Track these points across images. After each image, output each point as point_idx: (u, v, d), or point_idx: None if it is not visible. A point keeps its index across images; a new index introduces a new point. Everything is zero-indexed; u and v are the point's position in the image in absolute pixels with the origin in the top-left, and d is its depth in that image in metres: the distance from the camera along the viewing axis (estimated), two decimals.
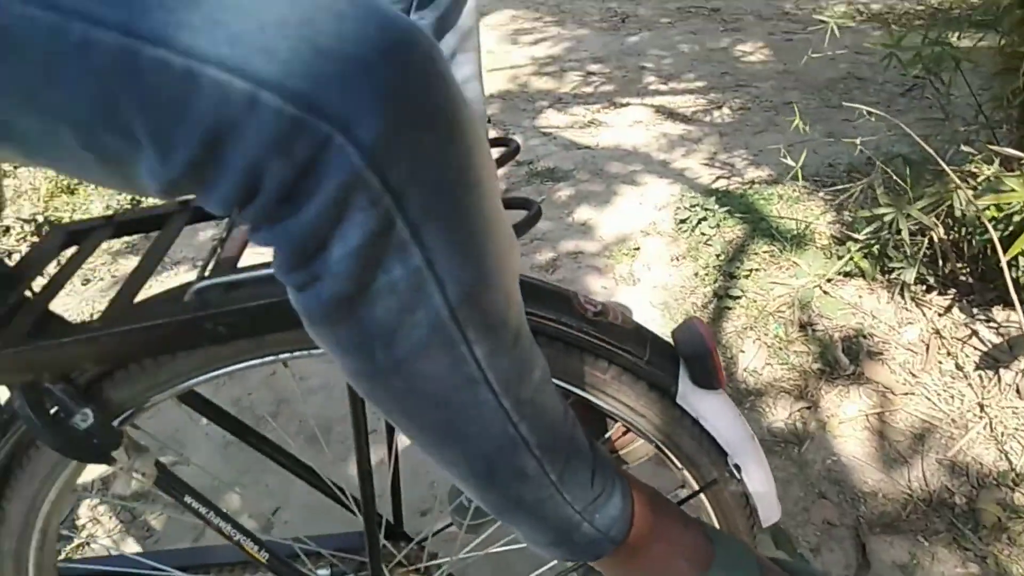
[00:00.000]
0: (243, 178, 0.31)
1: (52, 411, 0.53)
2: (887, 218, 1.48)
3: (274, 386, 1.54)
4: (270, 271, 0.39)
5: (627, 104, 2.96)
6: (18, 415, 0.52)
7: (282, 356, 0.54)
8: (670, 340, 0.62)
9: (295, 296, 0.36)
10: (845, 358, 1.48)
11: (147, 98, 0.30)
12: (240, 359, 0.55)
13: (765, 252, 1.83)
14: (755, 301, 1.67)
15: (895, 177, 1.60)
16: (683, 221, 1.99)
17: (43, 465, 0.59)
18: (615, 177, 2.34)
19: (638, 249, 1.93)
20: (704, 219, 1.95)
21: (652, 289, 1.77)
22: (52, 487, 0.60)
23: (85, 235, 0.57)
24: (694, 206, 2.01)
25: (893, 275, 1.60)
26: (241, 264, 0.52)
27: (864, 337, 1.52)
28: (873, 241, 1.64)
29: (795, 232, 1.87)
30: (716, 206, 1.98)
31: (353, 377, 0.40)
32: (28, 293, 0.53)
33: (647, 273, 1.83)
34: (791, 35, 3.56)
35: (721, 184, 2.21)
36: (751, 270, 1.77)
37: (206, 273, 0.49)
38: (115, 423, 0.55)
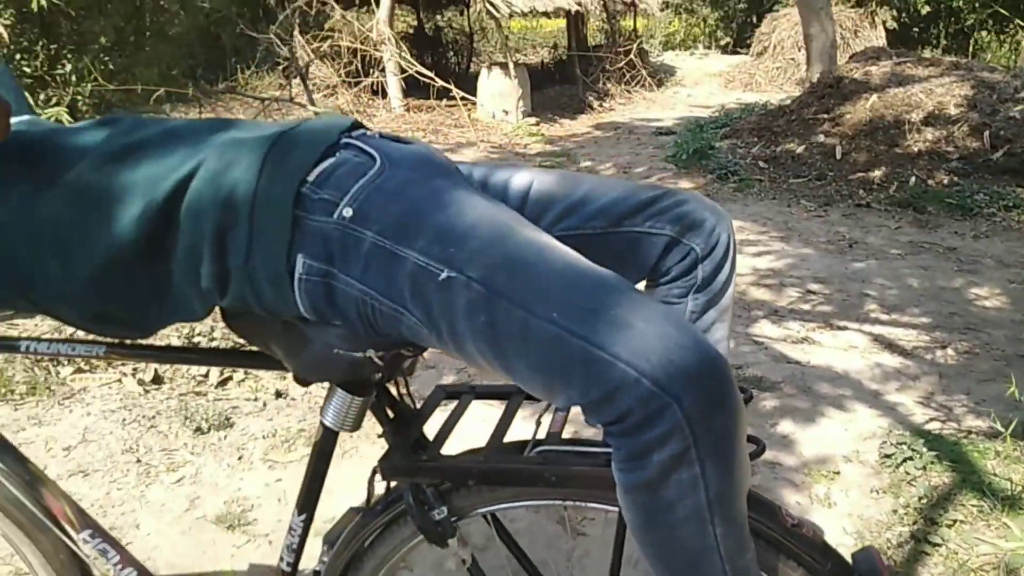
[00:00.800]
0: (617, 414, 0.60)
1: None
2: None
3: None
4: (590, 448, 0.68)
5: (844, 328, 3.06)
6: (403, 500, 0.83)
7: (569, 503, 0.81)
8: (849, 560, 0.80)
9: (620, 474, 0.63)
10: None
11: (579, 379, 0.61)
12: (539, 498, 0.82)
13: (973, 506, 1.83)
14: (956, 553, 1.67)
15: None
16: (888, 456, 2.04)
17: (392, 541, 0.89)
18: (823, 397, 2.44)
19: (838, 473, 2.00)
20: (910, 458, 1.99)
21: (847, 516, 1.83)
22: (395, 555, 0.89)
23: (458, 396, 0.90)
24: (901, 443, 2.06)
25: None
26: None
27: None
28: None
29: (1010, 493, 1.85)
30: (924, 448, 2.02)
31: (634, 526, 0.66)
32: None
33: (844, 499, 1.90)
34: None
35: (934, 427, 2.22)
36: (955, 521, 1.77)
37: (540, 437, 0.79)
38: (453, 520, 0.84)
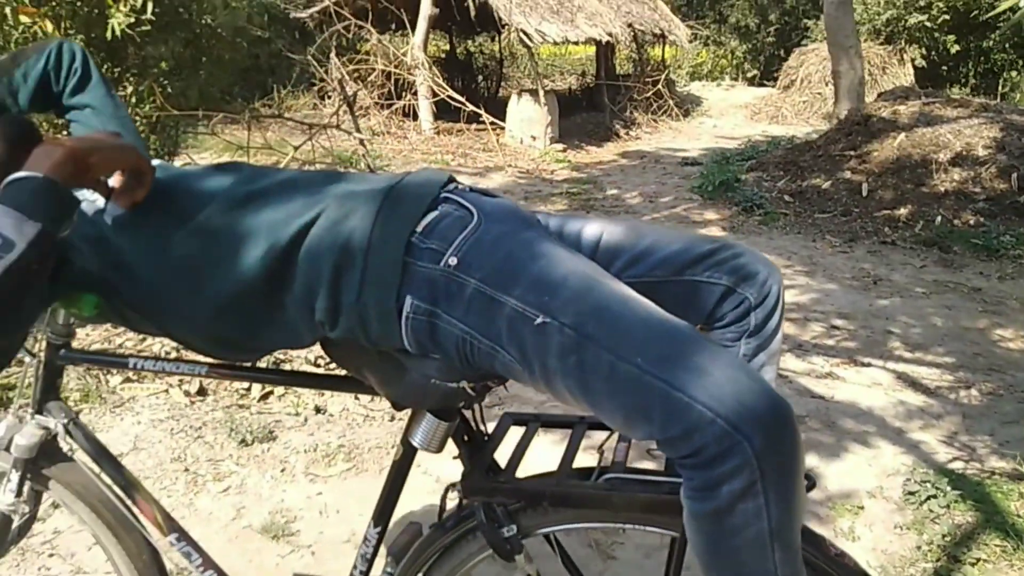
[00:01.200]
0: (692, 449, 0.69)
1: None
2: None
3: None
4: (653, 478, 0.76)
5: (868, 364, 3.11)
6: (474, 517, 0.91)
7: (628, 526, 0.89)
8: None
9: (690, 502, 0.72)
10: None
11: (659, 417, 0.70)
12: (601, 521, 0.90)
13: (997, 546, 1.87)
14: None
15: None
16: (912, 493, 2.09)
17: (460, 555, 0.97)
18: (847, 433, 2.50)
19: (862, 508, 2.05)
20: (934, 496, 2.04)
21: (871, 551, 1.88)
22: (461, 569, 0.98)
23: (524, 423, 0.99)
24: (925, 481, 2.11)
25: None
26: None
27: None
28: None
29: None
30: (948, 487, 2.07)
31: (700, 550, 0.74)
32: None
33: (868, 534, 1.95)
34: None
35: (957, 466, 2.27)
36: (979, 560, 1.82)
37: (605, 465, 0.87)
38: (520, 538, 0.93)
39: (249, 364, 1.01)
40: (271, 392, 2.75)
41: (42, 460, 1.14)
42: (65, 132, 1.17)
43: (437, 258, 0.81)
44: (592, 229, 0.97)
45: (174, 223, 0.89)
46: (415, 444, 0.91)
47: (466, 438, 0.96)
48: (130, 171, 0.89)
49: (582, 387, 0.74)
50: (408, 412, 0.95)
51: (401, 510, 2.04)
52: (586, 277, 0.79)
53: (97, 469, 1.15)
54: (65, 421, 1.11)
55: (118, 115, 1.12)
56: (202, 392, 2.73)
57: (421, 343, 0.83)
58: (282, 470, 2.29)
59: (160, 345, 2.84)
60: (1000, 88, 10.25)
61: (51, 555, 1.88)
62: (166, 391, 2.73)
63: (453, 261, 0.80)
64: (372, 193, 0.87)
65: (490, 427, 1.01)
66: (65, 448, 1.15)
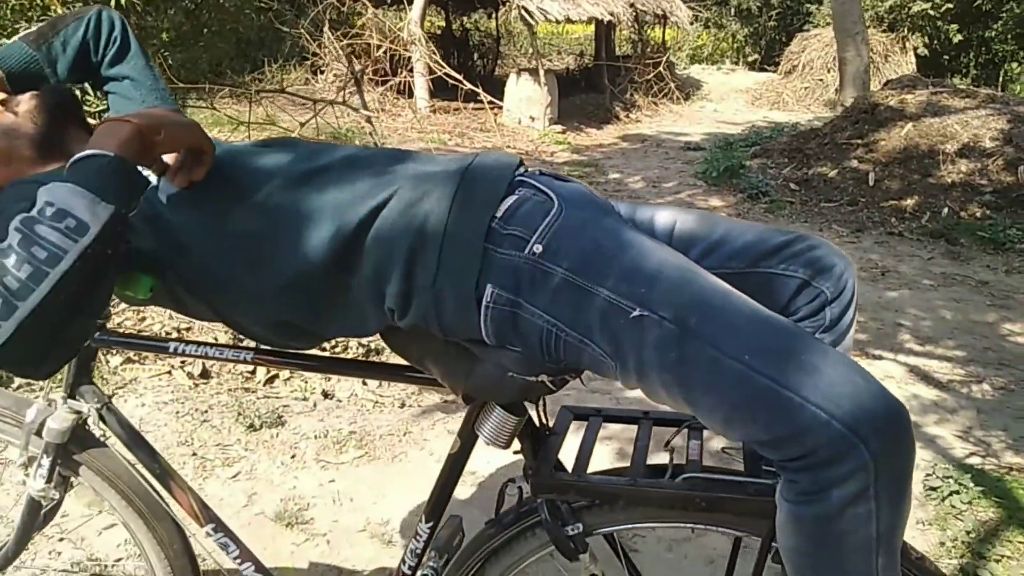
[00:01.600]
0: (801, 451, 0.65)
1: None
2: None
3: None
4: (735, 478, 0.72)
5: (880, 357, 3.09)
6: (536, 514, 0.87)
7: (698, 527, 0.85)
8: None
9: (793, 505, 0.68)
10: None
11: (765, 416, 0.65)
12: (669, 521, 0.87)
13: (1020, 542, 1.86)
14: None
15: None
16: (934, 488, 2.08)
17: (519, 552, 0.94)
18: None
19: None
20: (956, 492, 2.03)
21: None
22: (519, 566, 0.94)
23: (585, 418, 0.95)
24: (947, 477, 2.10)
25: None
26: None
27: None
28: None
29: None
30: (971, 483, 2.06)
31: (799, 553, 0.71)
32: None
33: None
34: None
35: (975, 461, 2.26)
36: (1003, 556, 1.81)
37: (678, 463, 0.83)
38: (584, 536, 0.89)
39: (295, 351, 0.96)
40: (276, 375, 2.70)
41: (73, 445, 1.10)
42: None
43: (521, 245, 0.77)
44: (665, 217, 0.92)
45: (232, 200, 0.84)
46: (483, 439, 0.87)
47: (529, 432, 0.92)
48: (192, 150, 0.84)
49: (681, 383, 0.70)
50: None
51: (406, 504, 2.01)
52: (681, 268, 0.74)
53: (130, 456, 1.11)
54: (98, 405, 1.06)
55: (157, 87, 1.05)
56: (205, 375, 2.67)
57: (501, 334, 0.79)
58: (292, 456, 2.24)
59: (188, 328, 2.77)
60: (1001, 79, 10.25)
61: (61, 539, 1.83)
62: (169, 372, 2.67)
63: (538, 249, 0.76)
64: (446, 175, 0.82)
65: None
66: (97, 433, 1.10)
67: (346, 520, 1.96)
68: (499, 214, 0.79)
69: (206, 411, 2.45)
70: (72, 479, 1.15)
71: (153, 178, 0.85)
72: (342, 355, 2.62)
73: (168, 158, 0.84)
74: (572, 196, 0.82)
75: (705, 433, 0.89)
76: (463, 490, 2.10)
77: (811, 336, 0.71)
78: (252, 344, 0.97)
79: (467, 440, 0.92)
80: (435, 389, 0.88)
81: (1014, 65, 10.54)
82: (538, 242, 0.76)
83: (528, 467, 0.90)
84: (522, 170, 0.87)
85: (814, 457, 0.65)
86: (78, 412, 1.08)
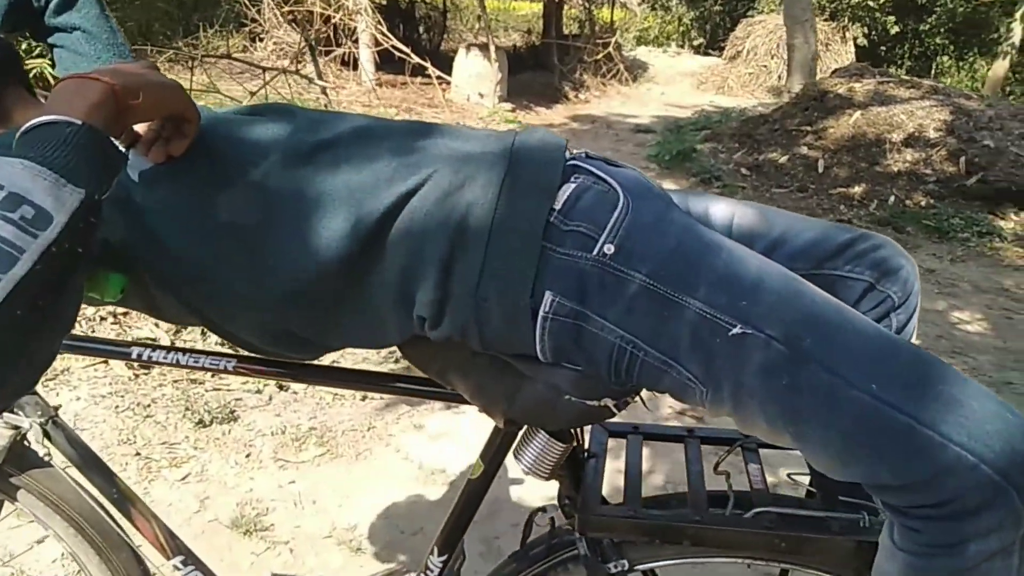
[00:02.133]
0: (938, 498, 0.55)
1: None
2: None
3: None
4: (814, 512, 0.63)
5: None
6: (574, 548, 0.76)
7: (748, 561, 0.76)
8: None
9: (915, 558, 0.58)
10: None
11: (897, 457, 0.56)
12: (720, 556, 0.77)
13: None
14: None
15: None
16: None
17: None
18: None
19: None
20: None
21: None
22: None
23: (623, 435, 0.84)
24: None
25: None
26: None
27: None
28: None
29: None
30: None
31: None
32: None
33: None
34: (1011, 313, 3.62)
35: None
36: None
37: (739, 491, 0.74)
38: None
39: (285, 360, 0.82)
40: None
41: (10, 466, 0.93)
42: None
43: (588, 245, 0.64)
44: (721, 210, 0.81)
45: (220, 182, 0.69)
46: (521, 468, 0.75)
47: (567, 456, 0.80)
48: (172, 117, 0.68)
49: (789, 415, 0.60)
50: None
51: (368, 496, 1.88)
52: (785, 276, 0.64)
53: (81, 478, 0.94)
54: (42, 420, 0.90)
55: (115, 42, 0.88)
56: (146, 364, 2.46)
57: (560, 350, 0.66)
58: (247, 455, 2.08)
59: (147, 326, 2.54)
60: (932, 71, 10.59)
61: None
62: (105, 362, 2.44)
63: (610, 249, 0.63)
64: (490, 156, 0.68)
65: None
66: (41, 452, 0.93)
67: (309, 525, 1.82)
68: (558, 206, 0.66)
69: (149, 405, 2.25)
70: (7, 503, 0.98)
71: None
72: (339, 362, 2.41)
73: (140, 127, 0.68)
74: (632, 184, 0.69)
75: (762, 452, 0.80)
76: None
77: (942, 361, 0.62)
78: (232, 349, 0.82)
79: (492, 466, 0.80)
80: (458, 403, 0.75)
81: (945, 59, 10.92)
82: (609, 241, 0.63)
83: (565, 496, 0.79)
84: (570, 152, 0.74)
85: (954, 505, 0.56)
86: (16, 427, 0.91)
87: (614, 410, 0.69)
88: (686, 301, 0.61)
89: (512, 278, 0.63)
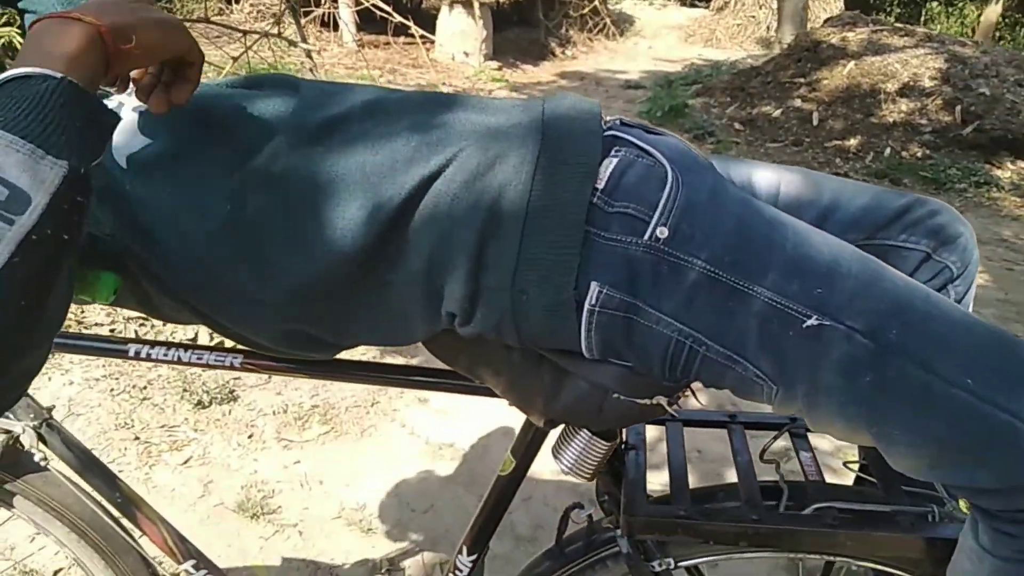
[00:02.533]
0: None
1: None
2: None
3: None
4: (879, 507, 0.58)
5: None
6: (614, 545, 0.72)
7: (797, 556, 0.72)
8: None
9: (999, 562, 0.54)
10: None
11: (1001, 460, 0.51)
12: (768, 552, 0.73)
13: None
14: None
15: None
16: None
17: None
18: None
19: None
20: None
21: None
22: None
23: (660, 423, 0.79)
24: None
25: None
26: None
27: None
28: None
29: None
30: None
31: None
32: None
33: None
34: (1012, 264, 3.60)
35: None
36: None
37: (791, 481, 0.69)
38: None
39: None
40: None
41: (3, 471, 0.87)
42: None
43: (637, 228, 0.57)
44: (766, 177, 0.75)
45: (220, 165, 0.61)
46: (561, 467, 0.70)
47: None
48: (173, 61, 0.59)
49: (873, 415, 0.55)
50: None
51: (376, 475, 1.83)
52: (860, 257, 0.58)
53: (81, 482, 0.89)
54: (35, 422, 0.84)
55: None
56: (147, 362, 2.39)
57: (608, 346, 0.60)
58: (250, 436, 2.03)
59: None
60: (921, 19, 10.43)
61: None
62: None
63: (663, 232, 0.56)
64: (520, 130, 0.61)
65: None
66: (36, 456, 0.87)
67: (317, 507, 1.78)
68: (600, 185, 0.59)
69: (145, 387, 2.19)
70: (4, 510, 0.93)
71: (124, 107, 0.60)
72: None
73: (136, 72, 0.59)
74: (677, 156, 0.62)
75: (812, 438, 0.75)
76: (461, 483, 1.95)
77: None
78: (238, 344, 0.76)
79: (524, 462, 0.75)
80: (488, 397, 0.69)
81: (934, 5, 10.74)
82: (661, 223, 0.56)
83: (604, 492, 0.74)
84: (605, 120, 0.67)
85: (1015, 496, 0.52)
86: (7, 431, 0.85)
87: (668, 408, 0.63)
88: (753, 290, 0.55)
89: (553, 268, 0.57)
